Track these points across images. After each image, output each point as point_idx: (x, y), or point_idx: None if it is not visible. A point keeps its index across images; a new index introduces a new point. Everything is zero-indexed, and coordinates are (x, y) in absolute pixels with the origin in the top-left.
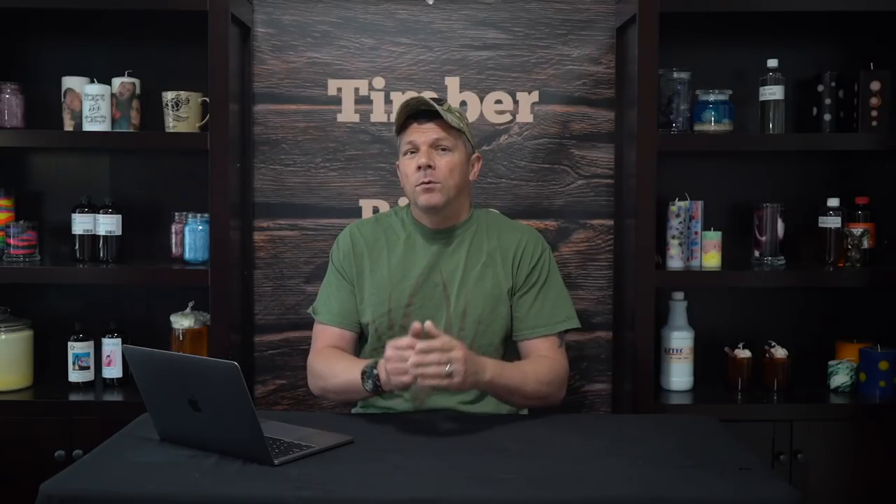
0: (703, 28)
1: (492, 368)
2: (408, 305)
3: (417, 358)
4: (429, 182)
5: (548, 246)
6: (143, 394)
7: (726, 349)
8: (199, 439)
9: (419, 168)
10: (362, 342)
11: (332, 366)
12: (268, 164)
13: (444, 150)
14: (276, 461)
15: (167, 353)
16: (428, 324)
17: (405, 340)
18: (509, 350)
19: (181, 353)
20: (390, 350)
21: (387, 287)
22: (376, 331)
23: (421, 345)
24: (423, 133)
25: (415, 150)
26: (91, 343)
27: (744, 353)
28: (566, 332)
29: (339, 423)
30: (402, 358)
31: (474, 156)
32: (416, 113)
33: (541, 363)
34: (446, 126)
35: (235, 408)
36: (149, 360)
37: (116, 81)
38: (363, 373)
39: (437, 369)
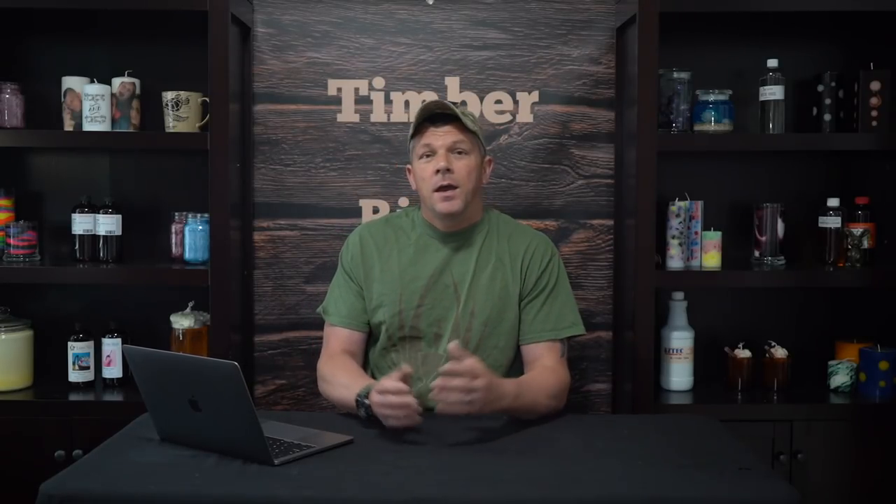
0: (703, 28)
1: (511, 393)
2: (418, 306)
3: (443, 381)
4: (448, 187)
5: (556, 251)
6: (143, 394)
7: (726, 349)
8: (199, 439)
9: (437, 171)
10: (372, 341)
11: (335, 376)
12: (268, 164)
13: (461, 153)
14: (276, 461)
15: (167, 353)
16: (452, 345)
17: (391, 385)
18: (519, 353)
19: (181, 353)
20: (374, 395)
21: (397, 288)
22: (387, 331)
23: (447, 366)
24: (441, 136)
25: (431, 153)
26: (91, 343)
27: (744, 353)
28: (570, 338)
29: (339, 423)
30: (386, 404)
31: (486, 158)
32: (432, 116)
33: (549, 377)
34: (463, 129)
35: (235, 408)
36: (149, 360)
37: (116, 81)
38: (356, 400)
39: (458, 396)
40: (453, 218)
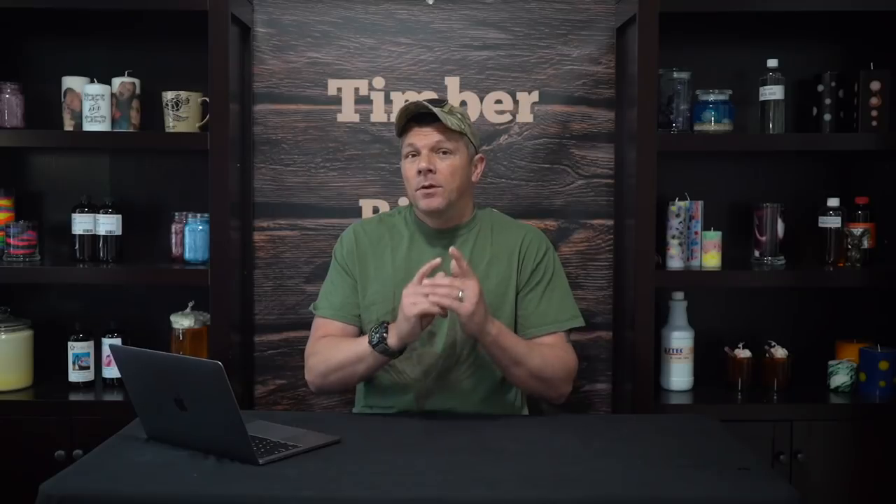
0: (703, 28)
1: (499, 325)
2: None
3: (430, 282)
4: (429, 186)
5: (550, 244)
6: (130, 393)
7: (726, 349)
8: (185, 438)
9: (419, 172)
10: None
11: (337, 346)
12: (268, 164)
13: (444, 153)
14: (260, 461)
15: (154, 352)
16: (452, 249)
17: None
18: None
19: (167, 353)
20: (413, 284)
21: (391, 286)
22: None
23: (434, 279)
24: (424, 136)
25: (415, 153)
26: (91, 343)
27: (744, 353)
28: (571, 330)
29: (338, 423)
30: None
31: (477, 157)
32: (417, 115)
33: (550, 348)
34: (447, 128)
35: (220, 407)
36: (136, 360)
37: (116, 81)
38: (372, 330)
39: (448, 290)
40: (437, 215)
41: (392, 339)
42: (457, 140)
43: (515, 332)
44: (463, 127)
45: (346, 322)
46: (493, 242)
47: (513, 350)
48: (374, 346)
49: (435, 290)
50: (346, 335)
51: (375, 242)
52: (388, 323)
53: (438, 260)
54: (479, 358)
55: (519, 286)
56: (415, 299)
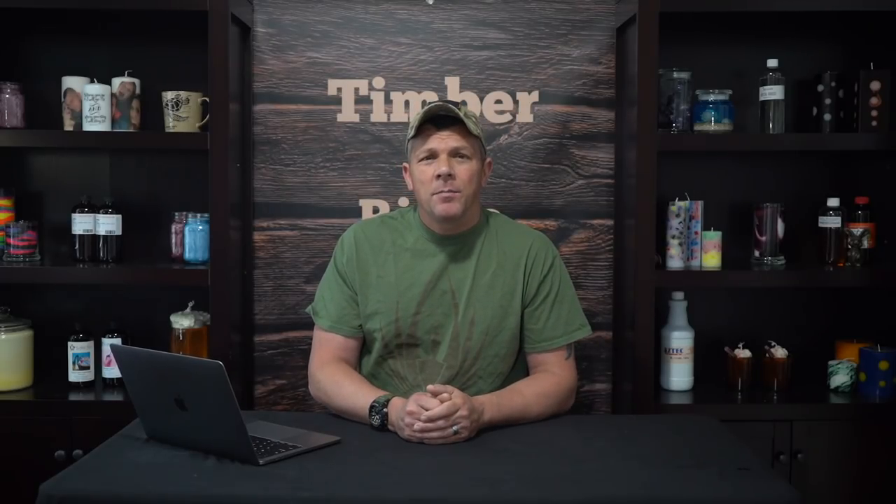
0: (703, 28)
1: (489, 408)
2: (416, 314)
3: (421, 426)
4: (449, 192)
5: (557, 252)
6: (130, 393)
7: (726, 349)
8: (185, 438)
9: (438, 177)
10: (366, 348)
11: (340, 385)
12: (268, 164)
13: (462, 157)
14: (261, 461)
15: (154, 351)
16: (430, 387)
17: (430, 402)
18: (519, 360)
19: (168, 353)
20: (413, 405)
21: (394, 295)
22: (383, 338)
23: (426, 414)
24: (443, 140)
25: (433, 157)
26: (91, 343)
27: (744, 353)
28: None
29: (338, 423)
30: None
31: (486, 161)
32: (435, 117)
33: (543, 381)
34: (466, 133)
35: (220, 407)
36: (136, 359)
37: (116, 81)
38: (372, 406)
39: (441, 433)
40: (452, 221)
41: (391, 427)
42: (473, 144)
43: (521, 344)
44: (478, 131)
45: (346, 336)
46: (498, 250)
47: (512, 414)
48: (375, 426)
49: (428, 434)
50: (350, 349)
51: (378, 247)
52: (388, 405)
53: (431, 388)
54: (481, 368)
55: (525, 300)
56: (410, 432)
